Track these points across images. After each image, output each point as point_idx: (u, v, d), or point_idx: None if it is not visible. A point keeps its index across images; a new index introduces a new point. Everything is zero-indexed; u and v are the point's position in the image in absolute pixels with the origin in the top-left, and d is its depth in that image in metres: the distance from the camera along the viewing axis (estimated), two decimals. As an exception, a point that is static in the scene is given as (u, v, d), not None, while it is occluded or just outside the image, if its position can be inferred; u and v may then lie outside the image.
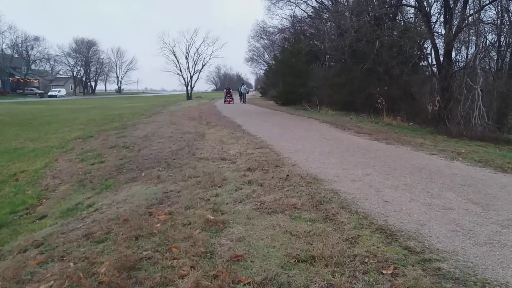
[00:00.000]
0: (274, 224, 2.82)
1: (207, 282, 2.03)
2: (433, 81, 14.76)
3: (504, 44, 14.68)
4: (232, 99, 27.16)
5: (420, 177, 4.32)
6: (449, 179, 4.26)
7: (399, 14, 17.31)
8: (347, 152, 6.11)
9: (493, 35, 14.38)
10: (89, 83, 76.01)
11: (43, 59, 58.70)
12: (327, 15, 21.57)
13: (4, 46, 51.02)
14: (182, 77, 50.90)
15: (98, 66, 75.25)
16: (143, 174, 5.08)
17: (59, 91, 54.37)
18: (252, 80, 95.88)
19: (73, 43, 68.89)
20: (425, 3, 13.91)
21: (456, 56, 14.63)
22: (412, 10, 16.68)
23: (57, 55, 62.84)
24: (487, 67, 14.45)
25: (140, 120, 13.46)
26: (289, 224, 2.82)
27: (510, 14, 14.11)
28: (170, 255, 2.38)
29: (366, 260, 2.21)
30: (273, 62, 31.94)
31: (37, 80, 59.51)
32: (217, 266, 2.20)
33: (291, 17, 26.03)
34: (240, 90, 29.05)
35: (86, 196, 4.61)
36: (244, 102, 27.13)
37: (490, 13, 14.60)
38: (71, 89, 71.25)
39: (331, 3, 21.72)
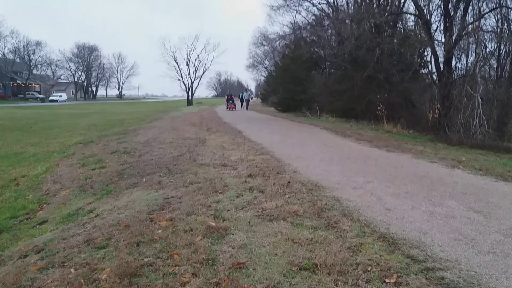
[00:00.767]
0: (276, 231, 2.81)
1: (209, 290, 2.02)
2: (433, 89, 14.84)
3: (504, 52, 14.82)
4: (235, 105, 26.49)
5: (422, 185, 4.32)
6: (451, 187, 4.25)
7: (400, 21, 17.49)
8: (348, 159, 6.12)
9: (493, 43, 14.53)
10: (90, 88, 76.30)
11: (45, 64, 58.96)
12: (328, 22, 21.77)
13: (6, 50, 51.28)
14: (183, 82, 51.25)
15: (99, 71, 75.80)
16: (144, 179, 5.07)
17: (60, 96, 54.53)
18: (252, 86, 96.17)
19: (74, 48, 69.56)
20: (425, 11, 14.05)
21: (456, 64, 14.74)
22: (412, 18, 16.86)
23: (58, 60, 63.48)
24: (487, 75, 14.54)
25: (141, 125, 13.49)
26: (291, 231, 2.81)
27: (510, 22, 14.23)
28: (171, 262, 2.36)
29: (369, 269, 2.20)
30: (274, 69, 32.15)
31: (39, 85, 59.71)
32: (219, 274, 2.19)
33: (292, 24, 26.17)
34: (242, 96, 29.14)
35: (87, 202, 4.59)
36: (246, 108, 27.16)
37: (490, 22, 14.76)
38: (72, 94, 71.53)
39: (331, 11, 21.94)
